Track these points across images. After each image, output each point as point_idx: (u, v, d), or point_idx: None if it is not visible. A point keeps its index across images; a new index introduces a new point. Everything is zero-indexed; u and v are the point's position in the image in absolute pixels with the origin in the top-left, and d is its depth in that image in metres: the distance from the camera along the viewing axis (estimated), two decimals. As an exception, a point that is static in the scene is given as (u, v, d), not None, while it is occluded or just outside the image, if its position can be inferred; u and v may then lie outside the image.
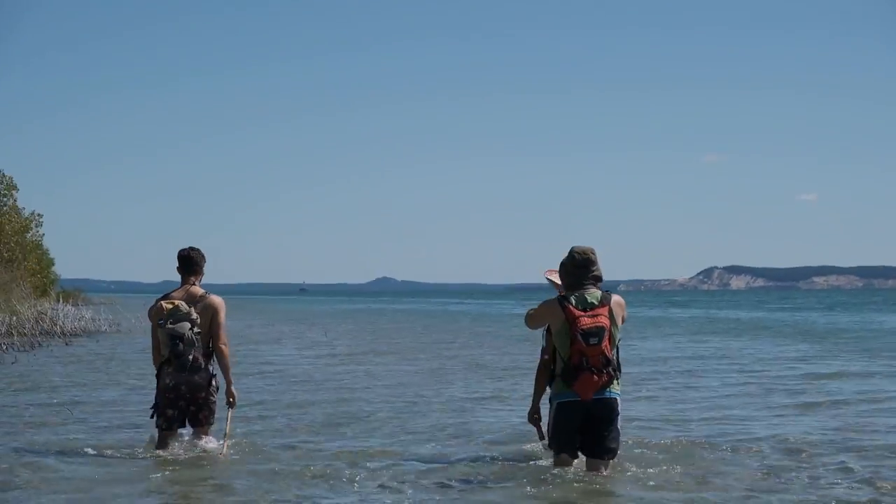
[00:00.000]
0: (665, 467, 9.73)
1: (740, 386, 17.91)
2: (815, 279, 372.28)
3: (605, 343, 8.68)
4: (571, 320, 8.69)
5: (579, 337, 8.65)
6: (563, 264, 9.06)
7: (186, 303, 10.05)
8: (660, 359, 24.32)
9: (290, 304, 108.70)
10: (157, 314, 10.07)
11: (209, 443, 10.25)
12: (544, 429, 9.61)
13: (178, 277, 10.40)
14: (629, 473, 9.39)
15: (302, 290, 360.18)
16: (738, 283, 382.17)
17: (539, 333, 9.60)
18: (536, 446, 10.19)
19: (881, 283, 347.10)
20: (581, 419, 8.85)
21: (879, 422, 13.11)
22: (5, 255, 54.31)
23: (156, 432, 10.32)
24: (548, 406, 9.27)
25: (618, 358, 8.93)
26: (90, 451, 10.75)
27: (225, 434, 10.33)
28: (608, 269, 9.36)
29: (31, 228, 64.10)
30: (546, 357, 9.34)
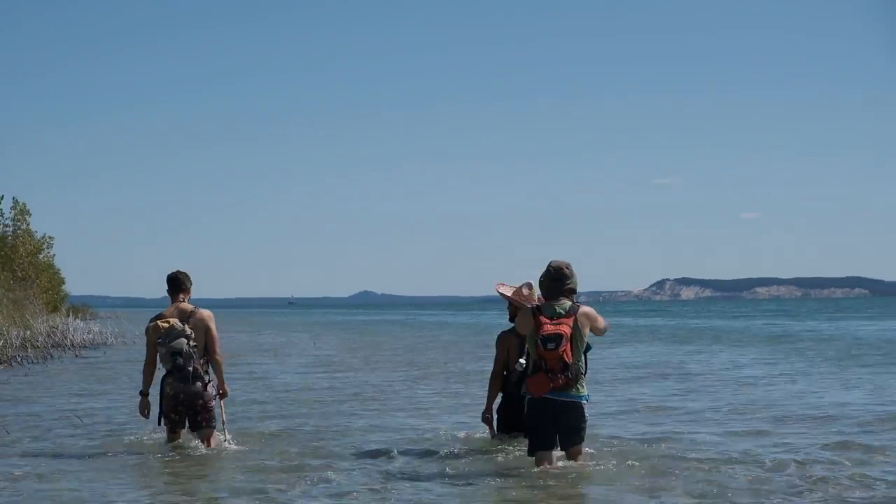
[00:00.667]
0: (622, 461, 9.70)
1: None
2: (758, 289, 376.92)
3: (565, 348, 8.59)
4: (537, 327, 8.73)
5: (539, 341, 8.67)
6: (541, 277, 9.04)
7: (179, 319, 10.23)
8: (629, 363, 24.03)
9: (282, 317, 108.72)
10: (154, 333, 10.22)
11: (210, 440, 10.41)
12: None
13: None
14: (598, 467, 9.43)
15: (290, 303, 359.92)
16: (687, 293, 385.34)
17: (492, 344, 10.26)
18: (488, 441, 10.45)
19: (817, 293, 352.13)
20: (549, 414, 8.82)
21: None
22: (20, 274, 53.86)
23: (163, 432, 10.65)
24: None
25: (586, 363, 8.94)
26: (100, 450, 10.88)
27: (223, 422, 10.62)
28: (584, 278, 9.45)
29: (44, 250, 63.81)
30: (498, 367, 10.03)
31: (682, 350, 30.93)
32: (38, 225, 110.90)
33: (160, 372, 10.46)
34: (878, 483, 8.77)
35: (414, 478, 9.20)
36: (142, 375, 10.59)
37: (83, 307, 69.90)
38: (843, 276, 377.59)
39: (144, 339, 10.56)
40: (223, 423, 10.63)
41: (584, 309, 8.89)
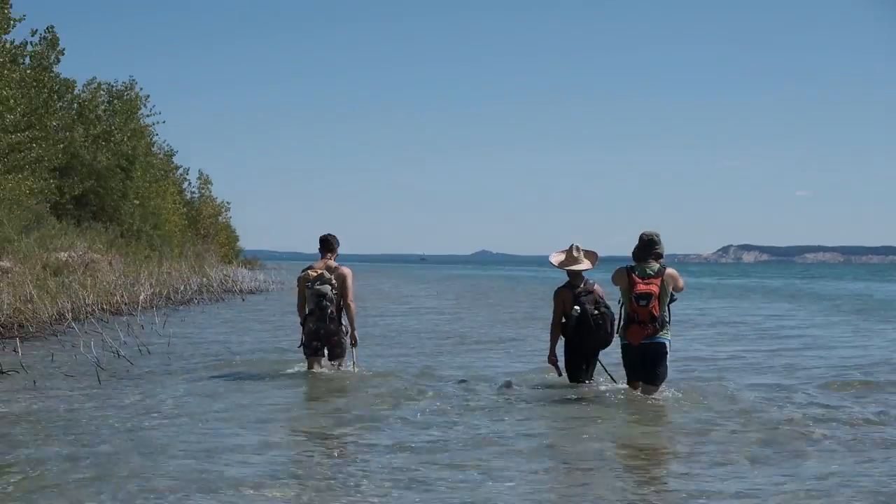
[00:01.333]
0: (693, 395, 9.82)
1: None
2: (807, 255, 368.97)
3: (654, 304, 9.00)
4: (631, 285, 9.09)
5: (633, 299, 9.06)
6: (636, 247, 9.30)
7: (326, 272, 10.66)
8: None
9: (415, 271, 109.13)
10: (304, 279, 10.67)
11: (342, 367, 10.88)
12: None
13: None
14: (673, 396, 9.58)
15: (422, 259, 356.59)
16: (748, 257, 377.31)
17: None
18: (555, 377, 10.39)
19: (857, 259, 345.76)
20: (638, 357, 9.21)
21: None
22: (202, 232, 55.86)
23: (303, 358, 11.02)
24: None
25: (669, 314, 9.23)
26: (251, 369, 11.64)
27: (353, 363, 10.96)
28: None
29: (222, 213, 65.72)
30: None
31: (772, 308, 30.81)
32: (218, 192, 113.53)
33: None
34: None
35: (491, 407, 9.25)
36: (298, 313, 10.91)
37: (254, 260, 71.31)
38: (879, 245, 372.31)
39: (294, 286, 11.24)
40: (353, 363, 10.94)
41: (669, 271, 9.18)
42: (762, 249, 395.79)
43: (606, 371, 10.07)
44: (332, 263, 10.79)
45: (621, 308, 9.35)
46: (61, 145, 32.53)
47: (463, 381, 10.92)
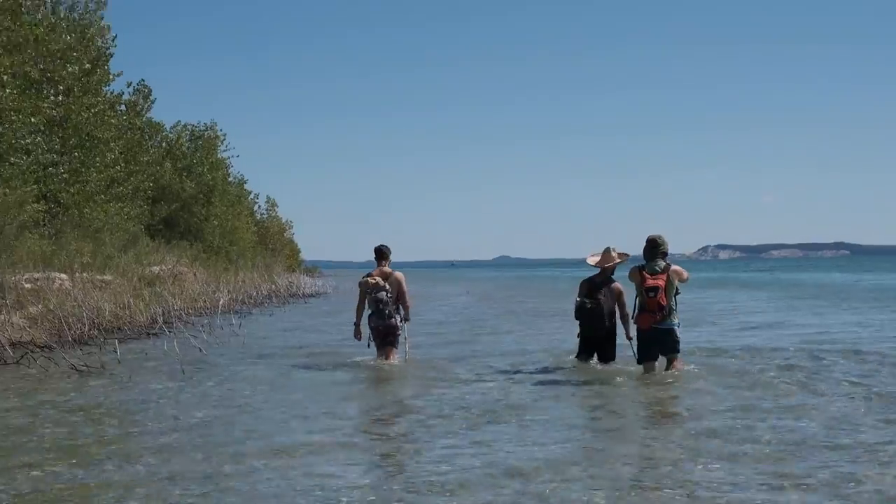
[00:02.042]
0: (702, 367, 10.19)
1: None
2: (773, 252, 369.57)
3: (661, 295, 9.18)
4: (641, 280, 9.30)
5: (644, 291, 9.26)
6: (645, 246, 9.52)
7: (381, 278, 10.77)
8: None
9: (447, 274, 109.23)
10: (364, 285, 10.83)
11: (395, 356, 10.96)
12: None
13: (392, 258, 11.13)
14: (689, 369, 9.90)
15: (452, 265, 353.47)
16: (723, 255, 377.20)
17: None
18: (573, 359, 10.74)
19: (812, 254, 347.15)
20: (653, 339, 9.39)
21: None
22: (270, 247, 56.14)
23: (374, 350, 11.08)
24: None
25: (676, 303, 9.44)
26: (322, 362, 11.65)
27: (406, 352, 11.08)
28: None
29: (287, 230, 66.09)
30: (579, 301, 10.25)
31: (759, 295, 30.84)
32: (283, 211, 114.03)
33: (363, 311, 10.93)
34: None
35: (525, 382, 9.52)
36: (355, 313, 11.02)
37: (313, 268, 71.66)
38: (830, 241, 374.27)
39: (351, 291, 11.57)
40: (406, 347, 11.03)
41: (674, 267, 9.38)
42: (734, 248, 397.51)
43: (634, 351, 10.00)
44: (387, 270, 10.87)
45: (636, 300, 9.47)
46: (153, 178, 32.95)
47: (498, 365, 11.04)
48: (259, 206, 60.96)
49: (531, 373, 10.37)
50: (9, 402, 8.60)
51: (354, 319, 11.03)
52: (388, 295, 10.72)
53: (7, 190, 18.91)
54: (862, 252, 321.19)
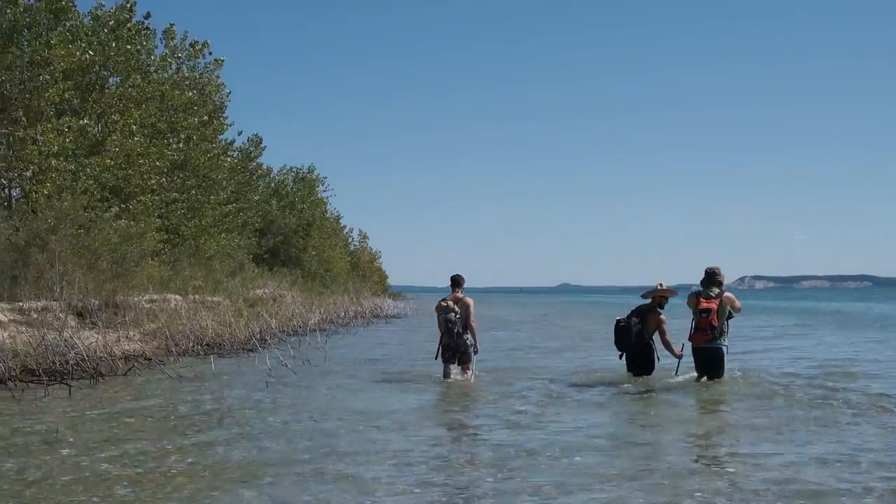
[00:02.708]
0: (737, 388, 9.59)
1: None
2: (803, 282, 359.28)
3: (713, 316, 9.17)
4: (697, 303, 9.34)
5: (699, 312, 9.30)
6: (703, 276, 9.51)
7: (453, 302, 10.57)
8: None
9: (518, 299, 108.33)
10: (439, 308, 10.68)
11: (467, 371, 10.65)
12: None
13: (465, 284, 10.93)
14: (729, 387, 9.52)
15: (522, 290, 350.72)
16: (759, 284, 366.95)
17: None
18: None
19: (839, 285, 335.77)
20: (702, 357, 9.36)
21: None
22: (361, 273, 56.16)
23: (441, 365, 10.73)
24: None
25: (728, 326, 9.37)
26: (392, 377, 11.27)
27: (472, 371, 10.70)
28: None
29: (376, 259, 66.19)
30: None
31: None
32: (374, 241, 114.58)
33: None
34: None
35: (570, 396, 9.20)
36: (438, 330, 10.78)
37: (398, 293, 71.89)
38: (855, 273, 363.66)
39: (428, 312, 11.24)
40: (473, 364, 10.74)
41: (727, 294, 9.37)
42: (769, 279, 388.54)
43: (677, 368, 10.06)
44: (459, 295, 10.67)
45: (692, 322, 9.44)
46: (261, 214, 33.10)
47: (553, 379, 10.74)
48: (353, 239, 61.52)
49: (582, 387, 9.92)
50: (100, 408, 8.21)
51: (438, 336, 10.84)
52: (457, 316, 10.53)
53: (132, 223, 18.96)
54: (882, 283, 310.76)
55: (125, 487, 5.22)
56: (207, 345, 14.49)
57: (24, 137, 16.89)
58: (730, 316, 9.38)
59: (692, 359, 9.73)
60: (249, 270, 27.60)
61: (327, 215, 46.41)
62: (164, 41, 24.30)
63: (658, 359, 10.27)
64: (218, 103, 26.27)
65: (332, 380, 10.83)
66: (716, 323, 9.20)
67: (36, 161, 17.06)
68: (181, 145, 23.62)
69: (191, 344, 14.03)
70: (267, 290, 25.61)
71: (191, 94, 24.38)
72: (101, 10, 20.57)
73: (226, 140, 28.72)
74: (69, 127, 18.13)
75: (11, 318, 12.96)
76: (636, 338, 10.10)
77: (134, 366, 11.08)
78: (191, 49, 25.07)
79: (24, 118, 16.99)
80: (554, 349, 16.49)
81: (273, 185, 38.73)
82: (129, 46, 20.13)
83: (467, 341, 10.58)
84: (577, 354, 15.01)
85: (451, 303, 10.61)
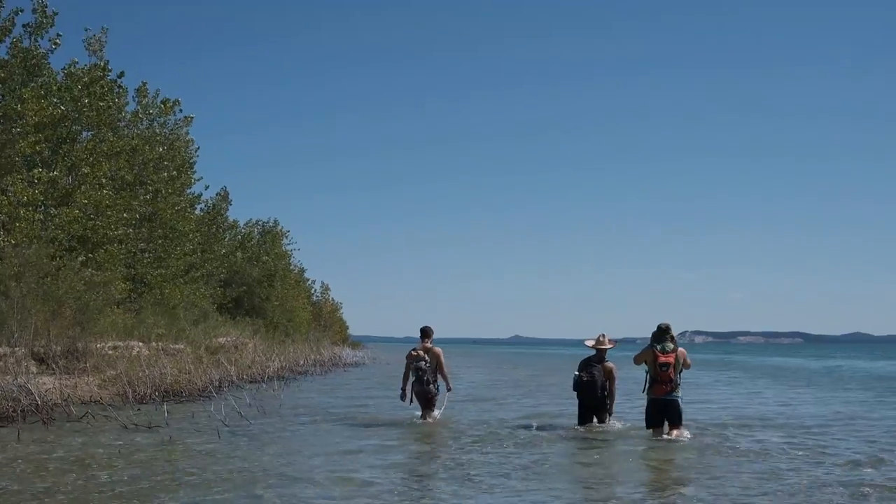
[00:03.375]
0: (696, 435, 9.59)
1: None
2: (740, 338, 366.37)
3: (671, 371, 9.24)
4: (655, 357, 9.34)
5: (658, 366, 9.28)
6: (655, 331, 9.53)
7: (423, 352, 10.74)
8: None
9: (474, 349, 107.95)
10: (409, 357, 10.81)
11: (435, 413, 10.97)
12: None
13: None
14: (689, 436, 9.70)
15: (474, 342, 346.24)
16: (699, 339, 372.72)
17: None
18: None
19: (772, 340, 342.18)
20: (662, 408, 9.36)
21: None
22: (323, 323, 55.57)
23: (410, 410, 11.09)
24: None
25: (679, 378, 9.40)
26: (358, 419, 11.47)
27: (439, 411, 11.03)
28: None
29: (338, 310, 65.60)
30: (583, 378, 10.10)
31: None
32: (337, 294, 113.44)
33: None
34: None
35: (537, 442, 9.31)
36: (401, 380, 10.99)
37: (358, 343, 71.11)
38: (788, 330, 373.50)
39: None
40: (441, 407, 11.05)
41: (681, 350, 9.46)
42: (708, 334, 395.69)
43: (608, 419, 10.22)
44: (429, 345, 10.78)
45: (647, 375, 9.42)
46: (226, 265, 32.71)
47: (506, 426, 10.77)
48: (315, 290, 60.95)
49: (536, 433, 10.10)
50: (46, 452, 7.91)
51: (401, 385, 10.95)
52: (426, 364, 10.61)
53: (97, 272, 18.59)
54: (814, 340, 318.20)
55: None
56: (165, 391, 14.12)
57: (-8, 188, 16.60)
58: (681, 370, 9.44)
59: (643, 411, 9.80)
60: (213, 319, 27.14)
61: (291, 267, 46.04)
62: (136, 99, 24.23)
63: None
64: (187, 158, 26.11)
65: (284, 429, 10.58)
66: (673, 376, 9.27)
67: (5, 210, 16.74)
68: (149, 198, 23.36)
69: (148, 390, 13.67)
70: (229, 339, 25.16)
71: (161, 149, 24.23)
72: (76, 66, 20.48)
73: (193, 193, 28.50)
74: (39, 178, 17.86)
75: (-31, 363, 12.55)
76: (601, 390, 10.15)
77: (88, 412, 10.73)
78: (162, 106, 25.01)
79: (-7, 169, 16.72)
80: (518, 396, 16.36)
81: (239, 237, 38.41)
82: (101, 103, 20.01)
83: (435, 388, 10.75)
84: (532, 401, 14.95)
85: (421, 352, 10.68)
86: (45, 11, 18.49)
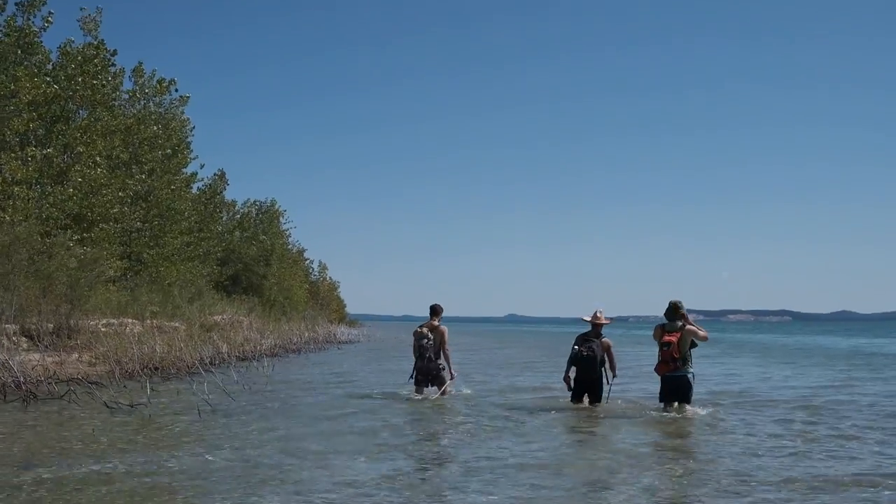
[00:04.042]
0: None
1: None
2: (730, 316, 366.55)
3: (673, 349, 9.02)
4: (660, 336, 9.21)
5: (662, 345, 9.18)
6: (667, 308, 9.32)
7: (428, 329, 10.63)
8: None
9: (469, 327, 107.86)
10: (415, 334, 10.71)
11: (448, 388, 10.82)
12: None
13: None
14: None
15: (471, 321, 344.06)
16: (690, 317, 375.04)
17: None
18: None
19: (760, 319, 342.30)
20: (670, 385, 9.18)
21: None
22: (320, 302, 55.25)
23: (412, 386, 10.92)
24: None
25: (691, 356, 9.19)
26: (362, 398, 10.97)
27: (444, 389, 10.76)
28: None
29: (336, 288, 65.28)
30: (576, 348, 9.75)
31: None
32: (335, 273, 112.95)
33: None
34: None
35: (529, 412, 9.39)
36: (413, 354, 10.89)
37: (356, 321, 70.85)
38: (776, 308, 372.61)
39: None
40: (444, 389, 10.75)
41: (689, 327, 9.16)
42: (698, 312, 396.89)
43: (608, 394, 9.97)
44: (435, 323, 10.66)
45: (659, 352, 9.26)
46: (223, 244, 32.24)
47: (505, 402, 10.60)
48: (313, 269, 60.52)
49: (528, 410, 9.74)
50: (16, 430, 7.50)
51: (414, 359, 10.90)
52: (429, 342, 10.54)
53: (89, 249, 18.12)
54: (802, 318, 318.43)
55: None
56: (153, 368, 13.72)
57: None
58: (694, 345, 9.23)
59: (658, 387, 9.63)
60: (208, 297, 26.69)
61: (289, 247, 45.54)
62: (132, 78, 23.63)
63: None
64: (182, 137, 25.54)
65: (268, 408, 10.18)
66: (677, 354, 9.10)
67: (-1, 188, 16.24)
68: (144, 177, 22.84)
69: (136, 367, 13.25)
70: (225, 317, 24.74)
71: (155, 128, 23.66)
72: (71, 46, 19.87)
73: (189, 173, 27.94)
74: (32, 157, 17.34)
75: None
76: (599, 366, 9.80)
77: (70, 389, 10.29)
78: (157, 86, 24.41)
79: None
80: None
81: (237, 217, 37.88)
82: (94, 81, 19.43)
83: (439, 365, 10.59)
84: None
85: (426, 329, 10.59)
86: (37, -11, 17.88)
